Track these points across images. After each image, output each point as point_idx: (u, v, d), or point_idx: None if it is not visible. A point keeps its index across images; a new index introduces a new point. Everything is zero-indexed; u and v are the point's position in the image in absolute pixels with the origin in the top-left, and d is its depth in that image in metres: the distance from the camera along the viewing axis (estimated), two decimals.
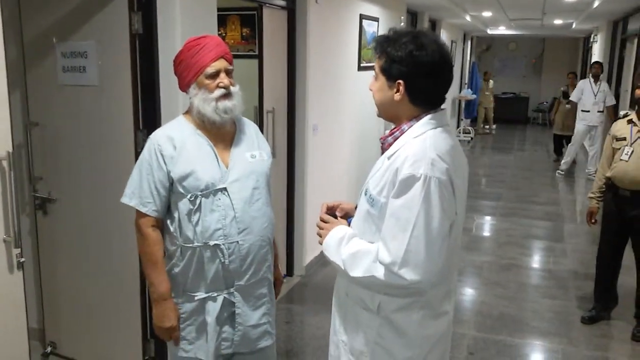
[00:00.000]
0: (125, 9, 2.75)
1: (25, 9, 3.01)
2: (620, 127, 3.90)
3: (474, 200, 7.48)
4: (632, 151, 3.71)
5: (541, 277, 5.01)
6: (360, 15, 5.77)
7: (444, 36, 10.50)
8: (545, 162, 10.65)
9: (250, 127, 2.30)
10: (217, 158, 2.13)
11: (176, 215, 2.12)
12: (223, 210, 2.10)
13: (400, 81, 1.67)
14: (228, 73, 2.12)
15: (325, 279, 4.69)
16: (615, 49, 9.67)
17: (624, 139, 3.81)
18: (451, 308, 1.85)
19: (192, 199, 2.08)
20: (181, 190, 2.08)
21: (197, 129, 2.14)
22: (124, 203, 2.13)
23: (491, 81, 13.99)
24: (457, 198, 1.67)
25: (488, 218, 6.92)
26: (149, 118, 2.88)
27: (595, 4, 7.63)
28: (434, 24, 10.19)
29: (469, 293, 4.64)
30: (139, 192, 2.10)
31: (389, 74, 1.69)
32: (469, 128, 13.32)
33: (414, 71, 1.65)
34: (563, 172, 9.17)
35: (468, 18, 10.32)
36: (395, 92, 1.69)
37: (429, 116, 1.70)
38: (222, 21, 4.90)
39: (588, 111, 8.64)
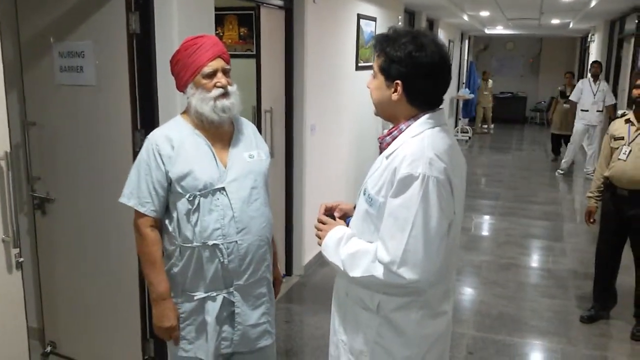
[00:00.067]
0: (123, 9, 2.74)
1: (22, 9, 3.00)
2: (618, 127, 3.90)
3: (473, 199, 7.48)
4: (630, 150, 3.72)
5: (540, 276, 5.01)
6: (358, 14, 5.77)
7: (442, 35, 10.50)
8: (544, 162, 10.67)
9: (248, 127, 2.30)
10: (215, 158, 2.12)
11: (175, 215, 2.12)
12: (221, 210, 2.09)
13: (399, 81, 1.67)
14: (225, 72, 2.12)
15: (324, 279, 4.69)
16: (613, 49, 9.68)
17: (622, 138, 3.81)
18: (450, 308, 1.86)
19: (191, 198, 2.07)
20: (179, 190, 2.08)
21: (195, 129, 2.14)
22: (122, 203, 2.13)
23: (490, 81, 14.00)
24: (456, 197, 1.67)
25: (487, 217, 6.92)
26: (146, 118, 2.87)
27: (592, 4, 7.64)
28: (431, 24, 10.20)
29: (468, 292, 4.64)
30: (137, 192, 2.10)
31: (388, 73, 1.69)
32: (467, 127, 13.34)
33: (413, 72, 1.65)
34: (563, 172, 9.17)
35: (465, 17, 10.33)
36: (393, 92, 1.68)
37: (426, 115, 1.70)
38: (219, 21, 4.90)
39: (587, 111, 8.65)
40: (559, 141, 10.41)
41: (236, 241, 2.12)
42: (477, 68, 15.06)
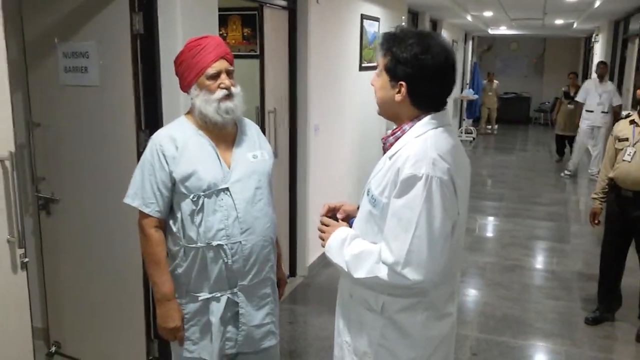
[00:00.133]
0: (127, 10, 2.75)
1: (27, 10, 3.01)
2: (622, 128, 3.89)
3: (477, 200, 7.47)
4: (635, 152, 3.70)
5: (545, 278, 5.00)
6: (361, 15, 5.77)
7: (445, 36, 10.48)
8: (548, 163, 10.64)
9: (251, 128, 2.30)
10: (219, 158, 2.13)
11: (179, 215, 2.12)
12: (225, 210, 2.09)
13: (403, 83, 1.66)
14: (229, 74, 2.12)
15: (328, 280, 4.68)
16: (617, 49, 9.66)
17: (627, 139, 3.80)
18: (455, 309, 1.85)
19: (195, 199, 2.08)
20: (183, 190, 2.08)
21: (199, 130, 2.14)
22: (126, 203, 2.13)
23: (495, 81, 13.97)
24: (459, 198, 1.66)
25: (491, 219, 6.91)
26: (150, 118, 2.88)
27: (597, 4, 7.62)
28: (435, 24, 10.19)
29: (472, 294, 4.63)
30: (141, 193, 2.10)
31: (392, 73, 1.68)
32: (471, 128, 13.31)
33: (418, 74, 1.64)
34: (570, 173, 9.12)
35: (469, 18, 10.31)
36: (397, 93, 1.68)
37: (430, 116, 1.70)
38: (223, 21, 4.91)
39: (592, 111, 8.62)
40: (563, 142, 10.39)
41: (240, 241, 2.12)
42: (480, 69, 15.04)
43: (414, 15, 8.66)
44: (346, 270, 1.73)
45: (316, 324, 3.99)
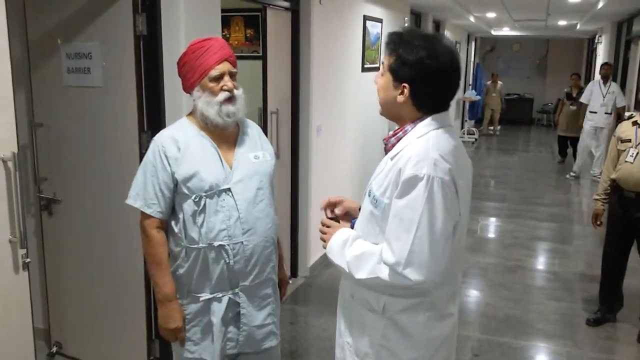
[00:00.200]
0: (130, 11, 2.76)
1: (30, 10, 3.02)
2: (625, 129, 3.88)
3: (479, 201, 7.47)
4: (637, 153, 3.70)
5: (546, 279, 4.99)
6: (364, 16, 5.77)
7: (449, 37, 10.49)
8: (550, 164, 10.63)
9: (253, 128, 2.30)
10: (220, 159, 2.13)
11: (181, 216, 2.12)
12: (227, 211, 2.10)
13: (406, 85, 1.66)
14: (232, 76, 2.12)
15: (330, 280, 4.69)
16: (620, 50, 9.64)
17: (629, 140, 3.79)
18: (456, 310, 1.85)
19: (197, 200, 2.08)
20: (185, 191, 2.08)
21: (201, 131, 2.14)
22: (128, 204, 2.14)
23: (500, 82, 13.95)
24: (461, 198, 1.66)
25: (493, 219, 6.90)
26: (153, 119, 2.88)
27: (600, 5, 7.61)
28: (437, 25, 10.18)
29: (473, 295, 4.63)
30: (143, 194, 2.10)
31: (396, 74, 1.67)
32: (473, 129, 13.31)
33: (422, 78, 1.64)
34: (574, 175, 9.08)
35: (472, 19, 10.31)
36: (400, 94, 1.68)
37: (432, 117, 1.70)
38: (226, 22, 4.91)
39: (595, 112, 8.60)
40: (566, 143, 10.37)
41: (242, 242, 2.12)
42: (483, 70, 15.02)
43: (416, 16, 8.66)
44: (347, 271, 1.73)
45: (317, 325, 3.99)
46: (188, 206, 2.10)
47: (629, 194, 3.76)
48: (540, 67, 17.09)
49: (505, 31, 14.15)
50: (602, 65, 8.88)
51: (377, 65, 6.26)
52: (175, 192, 2.11)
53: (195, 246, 2.11)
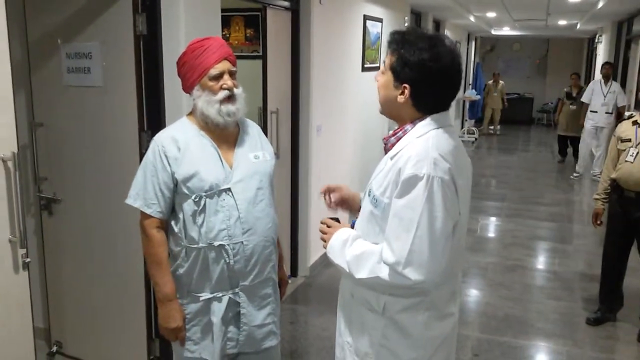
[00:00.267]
0: (130, 11, 2.76)
1: (30, 10, 3.02)
2: (625, 129, 3.88)
3: (479, 201, 7.47)
4: (638, 152, 3.70)
5: (546, 278, 4.99)
6: (364, 16, 5.77)
7: (449, 37, 10.48)
8: (550, 163, 10.63)
9: (253, 128, 2.31)
10: (220, 159, 2.13)
11: (181, 216, 2.12)
12: (227, 210, 2.10)
13: (407, 85, 1.66)
14: (231, 75, 2.12)
15: (330, 280, 4.69)
16: (620, 50, 9.64)
17: (629, 140, 3.79)
18: (456, 309, 1.85)
19: (197, 199, 2.08)
20: (185, 191, 2.09)
21: (201, 130, 2.14)
22: (128, 204, 2.14)
23: (501, 82, 13.95)
24: (460, 198, 1.66)
25: (493, 219, 6.90)
26: (153, 119, 2.88)
27: (600, 5, 7.61)
28: (437, 25, 10.18)
29: (473, 294, 4.63)
30: (143, 194, 2.11)
31: (397, 74, 1.67)
32: (473, 129, 13.31)
33: (423, 80, 1.64)
34: (578, 174, 9.07)
35: (472, 19, 10.30)
36: (400, 94, 1.68)
37: (432, 116, 1.70)
38: (226, 22, 4.91)
39: (596, 112, 8.60)
40: (566, 142, 10.38)
41: (242, 242, 2.12)
42: (483, 69, 15.02)
43: (416, 16, 8.65)
44: (347, 271, 1.73)
45: (317, 324, 3.99)
46: (188, 206, 2.10)
47: (629, 194, 3.76)
48: (540, 66, 17.09)
49: (506, 31, 14.15)
50: (603, 65, 8.88)
51: (377, 64, 6.26)
52: (175, 192, 2.12)
53: (195, 246, 2.11)
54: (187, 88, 2.15)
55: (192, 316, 2.19)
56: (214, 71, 2.07)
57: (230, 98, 2.10)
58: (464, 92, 13.20)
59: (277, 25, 4.20)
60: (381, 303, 1.74)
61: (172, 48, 2.80)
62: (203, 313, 2.18)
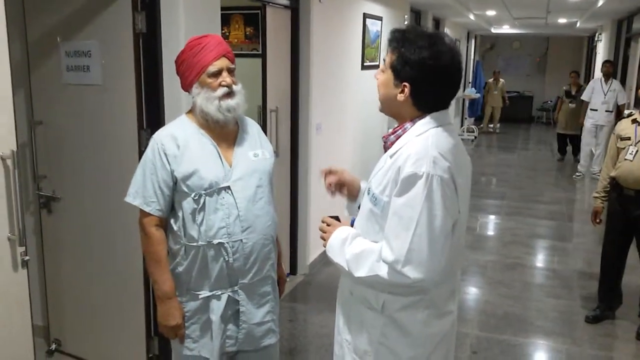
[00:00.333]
0: (129, 9, 2.75)
1: (30, 9, 3.02)
2: (624, 127, 3.88)
3: (478, 199, 7.47)
4: (637, 151, 3.70)
5: (545, 276, 5.00)
6: (364, 14, 5.77)
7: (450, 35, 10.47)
8: (550, 162, 10.63)
9: (252, 127, 2.31)
10: (220, 157, 2.13)
11: (180, 214, 2.12)
12: (227, 209, 2.10)
13: (407, 84, 1.66)
14: (230, 72, 2.12)
15: (329, 278, 4.69)
16: (620, 48, 9.63)
17: (629, 138, 3.80)
18: (455, 307, 1.86)
19: (196, 198, 2.08)
20: (185, 189, 2.09)
21: (200, 128, 2.14)
22: (127, 202, 2.14)
23: (501, 80, 13.94)
24: (460, 196, 1.66)
25: (492, 217, 6.91)
26: (152, 117, 2.88)
27: (600, 3, 7.61)
28: (437, 23, 10.17)
29: (473, 292, 4.63)
30: (142, 192, 2.11)
31: (398, 73, 1.67)
32: (473, 127, 13.31)
33: (423, 78, 1.64)
34: (581, 174, 9.06)
35: (472, 17, 10.30)
36: (400, 92, 1.68)
37: (431, 115, 1.70)
38: (225, 20, 4.91)
39: (596, 110, 8.60)
40: (565, 141, 10.38)
41: (241, 240, 2.12)
42: (483, 67, 15.01)
43: (416, 14, 8.65)
44: (347, 269, 1.73)
45: (316, 322, 4.00)
46: (187, 204, 2.10)
47: (628, 192, 3.76)
48: (540, 64, 17.08)
49: (505, 29, 14.13)
50: (603, 63, 8.87)
51: (377, 63, 6.25)
52: (175, 190, 2.12)
53: (195, 244, 2.12)
54: (186, 86, 2.14)
55: (191, 314, 2.19)
56: (212, 68, 2.07)
57: (230, 94, 2.10)
58: (464, 90, 13.19)
59: (276, 23, 4.19)
60: (380, 301, 1.74)
61: (172, 46, 2.80)
62: (202, 311, 2.18)
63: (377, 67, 6.14)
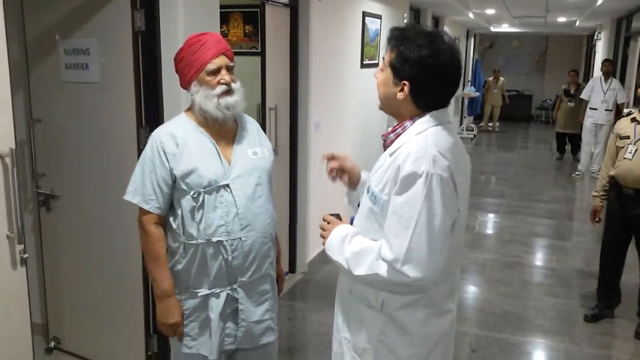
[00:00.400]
0: (128, 6, 2.75)
1: (28, 7, 3.01)
2: (623, 126, 3.88)
3: (477, 197, 7.47)
4: (636, 150, 3.70)
5: (544, 275, 5.00)
6: (363, 12, 5.77)
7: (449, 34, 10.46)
8: (549, 160, 10.64)
9: (251, 124, 2.30)
10: (219, 155, 2.13)
11: (179, 212, 2.12)
12: (226, 206, 2.10)
13: (406, 82, 1.66)
14: (229, 69, 2.12)
15: (328, 276, 4.69)
16: (619, 47, 9.64)
17: (628, 137, 3.80)
18: (454, 306, 1.86)
19: (195, 195, 2.08)
20: (184, 187, 2.08)
21: (199, 126, 2.14)
22: (126, 200, 2.14)
23: (501, 79, 13.94)
24: (459, 195, 1.66)
25: (491, 216, 6.91)
26: (151, 115, 2.88)
27: (599, 2, 7.60)
28: (436, 21, 10.17)
29: (472, 291, 4.64)
30: (141, 190, 2.10)
31: (397, 71, 1.67)
32: (472, 125, 13.31)
33: (422, 76, 1.64)
34: (580, 174, 9.05)
35: (471, 15, 10.29)
36: (399, 91, 1.68)
37: (431, 113, 1.70)
38: (224, 18, 4.91)
39: (595, 109, 8.59)
40: (564, 139, 10.38)
41: (240, 238, 2.12)
42: (482, 66, 15.00)
43: (415, 13, 8.65)
44: (346, 267, 1.73)
45: (315, 320, 4.00)
46: (186, 202, 2.10)
47: (627, 191, 3.76)
48: (540, 63, 17.08)
49: (505, 28, 14.13)
50: (603, 62, 8.86)
51: (376, 61, 6.25)
52: (174, 188, 2.11)
53: (194, 242, 2.11)
54: (185, 84, 2.14)
55: (190, 312, 2.19)
56: (211, 66, 2.06)
57: (228, 92, 2.09)
58: (463, 89, 13.19)
59: (275, 21, 4.19)
60: (379, 300, 1.74)
61: (171, 44, 2.80)
62: (201, 309, 2.18)
63: (376, 65, 6.15)
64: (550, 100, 15.82)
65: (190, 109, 2.18)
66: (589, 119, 8.69)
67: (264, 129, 3.12)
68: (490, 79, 14.04)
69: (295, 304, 4.28)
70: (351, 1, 5.44)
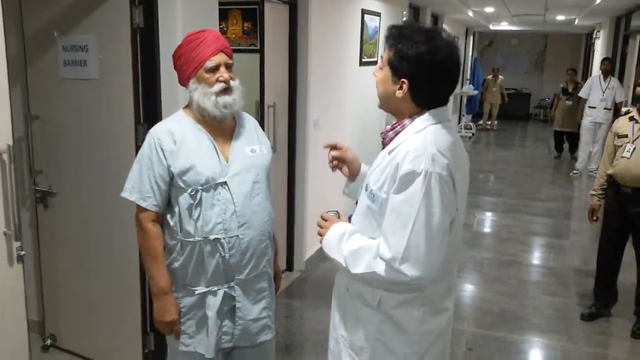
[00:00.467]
0: (127, 3, 2.74)
1: (26, 3, 3.01)
2: (622, 124, 3.89)
3: (475, 196, 7.47)
4: (634, 148, 3.70)
5: (541, 273, 5.01)
6: (362, 10, 5.76)
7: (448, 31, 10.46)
8: (547, 159, 10.64)
9: (250, 122, 2.30)
10: (217, 152, 2.12)
11: (176, 209, 2.12)
12: (223, 204, 2.09)
13: (405, 80, 1.65)
14: (228, 67, 2.11)
15: (326, 274, 4.69)
16: (618, 46, 9.64)
17: (626, 136, 3.80)
18: (452, 304, 1.85)
19: (193, 193, 2.08)
20: (181, 184, 2.08)
21: (197, 124, 2.14)
22: (124, 197, 2.13)
23: (501, 77, 13.94)
24: (458, 194, 1.66)
25: (489, 214, 6.92)
26: (149, 112, 2.87)
27: (598, 0, 7.60)
28: (436, 19, 10.16)
29: (469, 289, 4.64)
30: (139, 187, 2.10)
31: (395, 69, 1.67)
32: (471, 124, 13.31)
33: (421, 74, 1.63)
34: (578, 173, 9.05)
35: (470, 13, 10.29)
36: (398, 89, 1.67)
37: (430, 112, 1.70)
38: (223, 15, 4.89)
39: (594, 107, 8.59)
40: (562, 138, 10.40)
41: (237, 235, 2.12)
42: (481, 64, 15.00)
43: (415, 10, 8.63)
44: (344, 265, 1.73)
45: (312, 318, 4.00)
46: (184, 199, 2.09)
47: (625, 190, 3.77)
48: (538, 62, 17.08)
49: (504, 26, 14.13)
50: (602, 61, 8.86)
51: (375, 59, 6.25)
52: (171, 186, 2.11)
53: (191, 240, 2.11)
54: (183, 81, 2.14)
55: (187, 310, 2.19)
56: (209, 63, 2.06)
57: (227, 90, 2.09)
58: (462, 87, 13.19)
59: (274, 19, 4.18)
60: (376, 298, 1.74)
61: (169, 41, 2.79)
62: (198, 307, 2.18)
63: (375, 63, 6.14)
64: (548, 98, 15.82)
65: (188, 106, 2.17)
66: (588, 118, 8.69)
67: (263, 127, 3.12)
68: (489, 77, 14.04)
69: (292, 302, 4.28)
70: None
